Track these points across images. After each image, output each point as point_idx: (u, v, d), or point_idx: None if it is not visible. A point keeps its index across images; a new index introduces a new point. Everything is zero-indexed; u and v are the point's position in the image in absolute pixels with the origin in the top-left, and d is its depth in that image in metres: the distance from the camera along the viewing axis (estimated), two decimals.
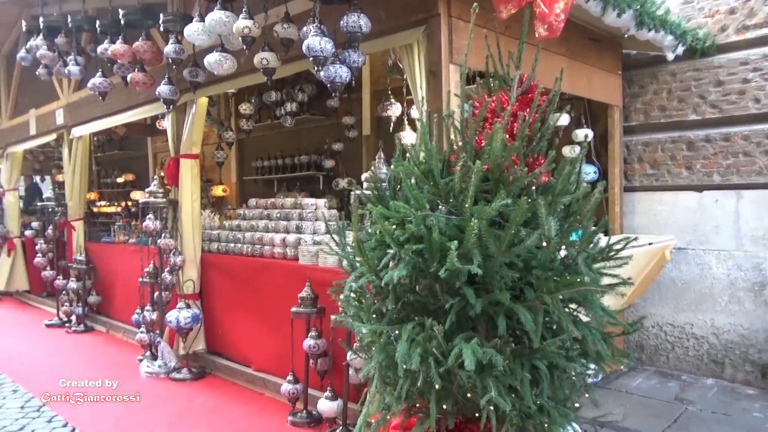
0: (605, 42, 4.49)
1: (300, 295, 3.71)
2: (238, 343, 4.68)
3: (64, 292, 6.79)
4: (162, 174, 8.18)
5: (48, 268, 6.99)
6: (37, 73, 5.92)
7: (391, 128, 4.21)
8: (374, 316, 2.24)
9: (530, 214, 1.91)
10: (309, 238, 4.30)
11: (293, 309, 3.72)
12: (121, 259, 6.33)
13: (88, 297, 6.55)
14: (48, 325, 6.78)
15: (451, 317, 1.99)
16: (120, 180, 11.04)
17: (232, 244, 4.84)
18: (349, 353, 3.32)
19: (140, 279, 5.22)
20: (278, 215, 4.76)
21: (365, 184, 2.81)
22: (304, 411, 3.75)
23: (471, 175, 1.93)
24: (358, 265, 2.33)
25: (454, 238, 1.92)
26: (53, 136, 7.36)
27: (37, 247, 7.16)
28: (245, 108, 5.51)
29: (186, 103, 4.88)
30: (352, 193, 2.90)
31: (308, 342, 3.62)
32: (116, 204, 10.85)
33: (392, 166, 2.32)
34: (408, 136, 4.30)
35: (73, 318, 6.65)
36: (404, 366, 1.94)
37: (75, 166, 6.79)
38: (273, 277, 4.33)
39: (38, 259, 6.99)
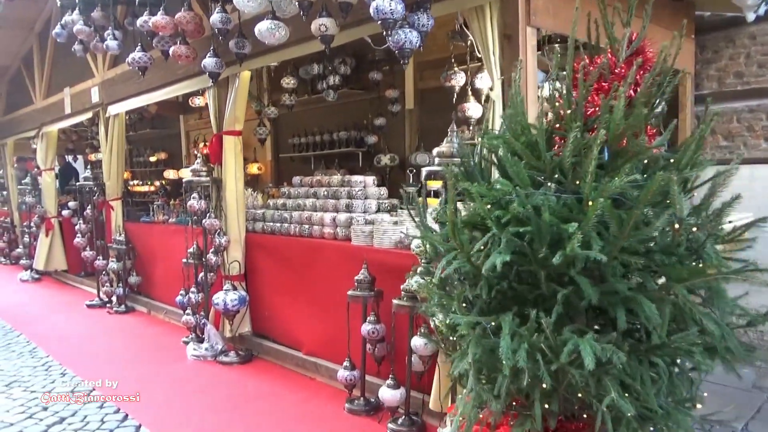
0: (678, 2, 4.14)
1: (356, 277, 3.52)
2: (286, 325, 4.53)
3: (104, 272, 6.74)
4: (201, 152, 8.07)
5: (87, 248, 6.93)
6: (72, 49, 5.77)
7: (454, 99, 3.93)
8: (464, 305, 2.02)
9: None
10: (360, 217, 4.09)
11: (350, 292, 3.54)
12: (161, 239, 6.22)
13: (129, 277, 6.48)
14: (89, 306, 6.75)
15: (557, 309, 1.77)
16: (152, 159, 10.97)
17: (278, 224, 4.67)
18: (413, 339, 3.13)
19: (184, 260, 5.09)
20: (325, 193, 4.57)
21: (437, 160, 2.58)
22: (362, 398, 3.59)
23: (586, 147, 1.69)
24: (440, 248, 2.12)
25: (567, 220, 1.69)
26: (89, 115, 7.25)
27: (76, 227, 7.10)
28: (287, 82, 5.29)
29: (228, 77, 4.68)
30: (423, 170, 2.68)
31: (366, 327, 3.43)
32: (149, 183, 10.81)
33: (479, 139, 2.08)
34: (473, 108, 4.04)
35: (114, 298, 6.61)
36: (508, 362, 1.72)
37: (112, 145, 6.66)
38: (324, 258, 4.15)
39: (78, 240, 6.94)
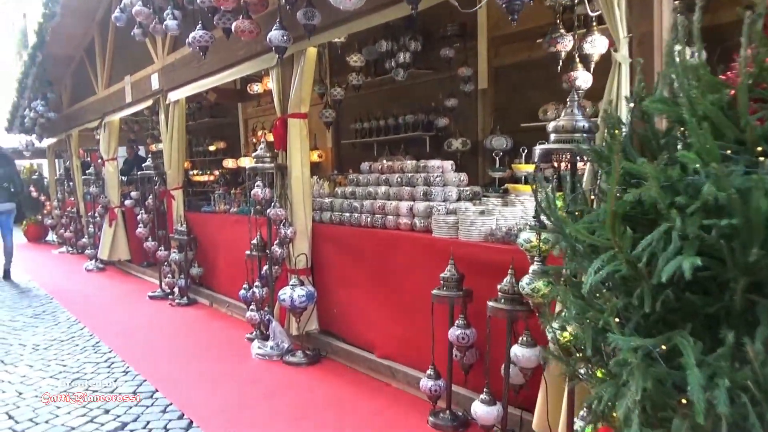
0: None
1: (442, 275, 3.10)
2: (357, 324, 4.17)
3: (165, 263, 6.59)
4: (262, 138, 7.85)
5: (149, 238, 6.81)
6: (132, 33, 5.58)
7: (559, 67, 3.44)
8: (617, 320, 1.56)
9: None
10: (441, 206, 3.66)
11: (435, 291, 3.12)
12: (222, 230, 5.99)
13: (191, 269, 6.30)
14: (151, 297, 6.62)
15: (764, 331, 1.29)
16: (211, 148, 10.88)
17: (347, 214, 4.29)
18: (514, 348, 2.69)
19: (247, 252, 4.80)
20: (399, 180, 4.16)
21: (554, 136, 2.12)
22: (448, 411, 3.17)
23: None
24: (580, 247, 1.66)
25: None
26: (149, 102, 7.09)
27: (138, 218, 6.99)
28: (355, 59, 4.89)
29: (293, 55, 4.32)
30: (536, 149, 2.20)
31: (455, 332, 3.01)
32: (208, 173, 10.72)
33: (640, 102, 1.60)
34: (582, 77, 3.52)
35: (176, 290, 6.44)
36: (699, 406, 1.26)
37: (173, 133, 6.47)
38: (400, 251, 3.74)
39: (140, 230, 6.83)
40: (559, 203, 2.27)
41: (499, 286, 2.78)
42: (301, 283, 4.19)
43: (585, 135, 2.12)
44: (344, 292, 4.30)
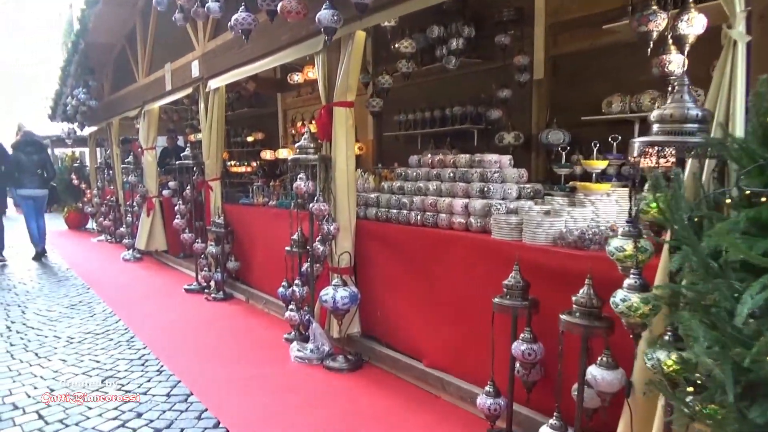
0: None
1: (505, 282, 2.78)
2: (403, 330, 3.87)
3: (202, 255, 6.42)
4: (301, 128, 7.62)
5: (186, 230, 6.65)
6: (173, 18, 5.40)
7: (649, 49, 3.06)
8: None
9: None
10: (500, 204, 3.33)
11: (496, 300, 2.80)
12: (260, 223, 5.78)
13: (227, 262, 6.11)
14: (187, 290, 6.47)
15: None
16: (249, 139, 10.73)
17: (394, 211, 4.00)
18: (591, 369, 2.36)
19: (287, 248, 4.56)
20: (451, 175, 3.84)
21: (657, 127, 1.78)
22: None
23: None
24: (712, 264, 1.33)
25: None
26: (189, 90, 6.93)
27: (176, 208, 6.84)
28: (405, 45, 4.57)
29: (340, 39, 4.03)
30: (635, 142, 1.86)
31: (520, 347, 2.69)
32: (246, 164, 10.58)
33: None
34: (675, 61, 3.14)
35: (212, 284, 6.28)
36: None
37: (212, 122, 6.29)
38: (454, 252, 3.43)
39: (177, 221, 6.68)
40: (654, 207, 1.94)
41: (574, 298, 2.44)
42: (344, 284, 3.92)
43: (697, 125, 1.78)
44: (390, 295, 4.01)
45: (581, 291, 2.43)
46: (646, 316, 1.85)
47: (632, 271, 1.89)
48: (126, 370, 3.96)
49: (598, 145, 3.33)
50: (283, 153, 9.42)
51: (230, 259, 6.11)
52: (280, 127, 10.13)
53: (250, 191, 6.20)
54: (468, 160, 3.89)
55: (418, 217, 3.78)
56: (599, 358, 2.37)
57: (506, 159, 3.80)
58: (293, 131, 9.29)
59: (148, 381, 3.76)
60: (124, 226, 9.49)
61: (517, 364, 2.80)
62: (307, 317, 4.31)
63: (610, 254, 2.02)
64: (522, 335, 2.71)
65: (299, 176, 4.05)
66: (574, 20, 5.06)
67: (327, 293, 3.86)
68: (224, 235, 6.08)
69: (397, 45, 4.55)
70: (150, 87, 8.44)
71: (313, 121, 8.66)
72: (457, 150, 6.09)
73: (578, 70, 5.20)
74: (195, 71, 6.71)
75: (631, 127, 4.70)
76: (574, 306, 2.45)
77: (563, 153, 3.86)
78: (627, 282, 1.89)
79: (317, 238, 4.21)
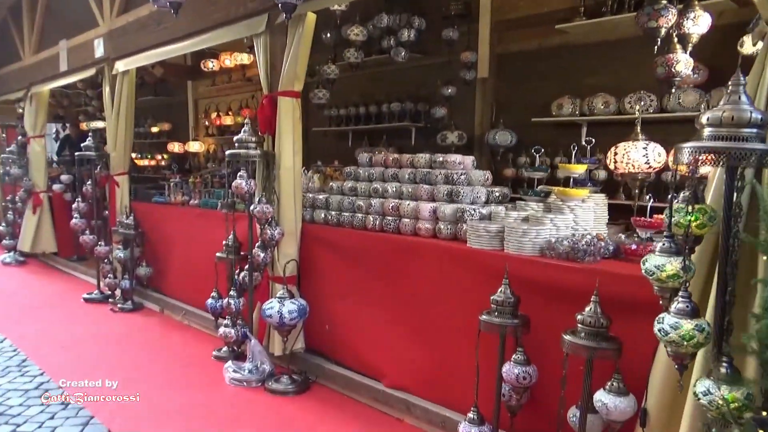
0: None
1: (494, 297, 2.49)
2: (357, 346, 3.49)
3: (105, 260, 5.63)
4: (213, 122, 6.96)
5: (87, 231, 5.81)
6: None
7: (656, 46, 2.87)
8: None
9: None
10: (474, 210, 3.06)
11: (483, 317, 2.51)
12: (179, 225, 5.15)
13: (137, 268, 5.39)
14: (87, 300, 5.65)
15: None
16: (154, 129, 9.77)
17: (347, 214, 3.61)
18: (600, 394, 2.14)
19: (218, 254, 4.02)
20: (411, 176, 3.53)
21: (709, 131, 1.56)
22: None
23: None
24: None
25: None
26: (91, 72, 6.07)
27: (74, 206, 5.96)
28: (356, 33, 4.17)
29: (286, 22, 3.57)
30: (685, 147, 1.63)
31: (513, 369, 2.42)
32: (149, 157, 9.65)
33: None
34: (682, 61, 2.99)
35: (118, 292, 5.52)
36: None
37: (120, 109, 5.53)
38: (422, 261, 3.11)
39: (75, 221, 5.81)
40: (693, 219, 1.73)
41: (579, 317, 2.21)
42: (291, 295, 3.48)
43: (756, 130, 1.58)
44: (341, 307, 3.62)
45: (587, 309, 2.21)
46: (699, 345, 1.63)
47: (681, 293, 1.66)
48: (20, 405, 3.25)
49: (576, 148, 3.16)
50: (195, 146, 8.67)
51: (141, 264, 5.40)
52: (191, 117, 9.31)
53: (166, 188, 5.51)
54: (428, 159, 3.61)
55: (377, 221, 3.42)
56: (609, 384, 2.16)
57: (469, 160, 3.55)
58: (206, 123, 8.55)
59: (51, 418, 3.10)
60: (3, 224, 8.25)
61: (505, 388, 2.54)
62: (243, 332, 3.81)
63: (648, 274, 1.78)
64: (515, 357, 2.45)
65: (239, 174, 3.53)
66: (521, 19, 4.93)
67: (271, 307, 3.39)
68: (133, 238, 5.36)
69: (348, 32, 4.15)
70: (39, 66, 7.39)
71: (230, 113, 8.07)
72: (394, 149, 5.79)
73: (524, 70, 5.08)
74: (99, 50, 5.89)
75: (578, 130, 4.64)
76: (579, 326, 2.21)
77: (536, 155, 3.67)
78: (676, 306, 1.65)
79: (256, 244, 3.72)
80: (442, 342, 2.97)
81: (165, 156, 9.38)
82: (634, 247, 2.59)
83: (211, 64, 7.64)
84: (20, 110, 9.00)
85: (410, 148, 5.75)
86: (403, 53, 4.72)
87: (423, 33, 5.22)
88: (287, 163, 3.64)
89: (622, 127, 4.31)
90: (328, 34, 5.05)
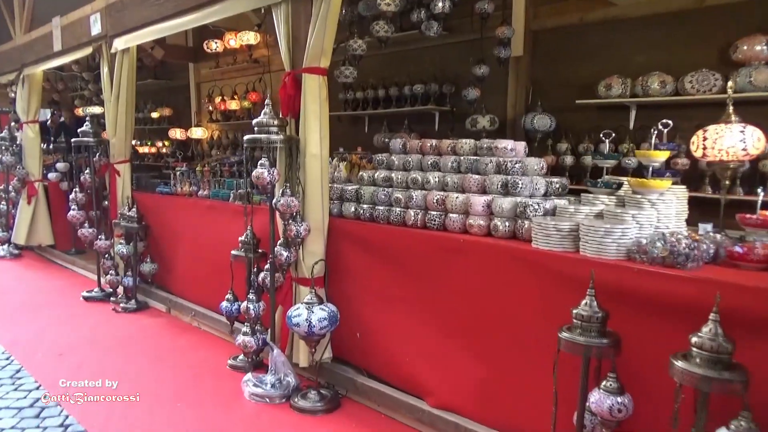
0: None
1: (576, 311, 2.08)
2: (395, 358, 3.08)
3: (106, 255, 5.21)
4: (217, 107, 6.48)
5: (86, 223, 5.36)
6: None
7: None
8: None
9: None
10: (538, 204, 2.64)
11: (564, 335, 2.10)
12: (187, 218, 4.71)
13: (141, 264, 4.97)
14: (87, 299, 5.23)
15: None
16: (154, 115, 9.29)
17: (382, 208, 3.18)
18: None
19: (234, 252, 3.60)
20: (455, 165, 3.11)
21: None
22: None
23: None
24: None
25: None
26: (87, 51, 5.60)
27: (71, 197, 5.51)
28: (388, 3, 3.70)
29: None
30: None
31: (604, 400, 2.00)
32: (149, 144, 9.19)
33: None
34: None
35: (120, 290, 5.11)
36: None
37: (120, 91, 5.07)
38: (475, 263, 2.69)
39: (73, 213, 5.36)
40: None
41: (694, 339, 1.80)
42: (320, 300, 3.06)
43: None
44: (374, 312, 3.21)
45: (704, 329, 1.80)
46: None
47: None
48: (14, 427, 2.85)
49: (656, 131, 2.73)
50: (198, 132, 8.20)
51: (145, 260, 4.97)
52: (193, 102, 8.83)
53: (172, 178, 5.06)
54: (473, 146, 3.17)
55: (419, 216, 2.99)
56: (733, 424, 1.75)
57: (521, 146, 3.12)
58: (210, 107, 8.07)
59: None
60: None
61: (588, 418, 2.13)
62: (261, 338, 3.40)
63: None
64: (606, 384, 2.04)
65: (260, 162, 3.09)
66: None
67: (298, 314, 2.98)
68: (137, 231, 4.93)
69: (379, 1, 3.69)
70: (31, 47, 6.90)
71: (236, 97, 7.59)
72: (416, 134, 5.36)
73: (562, 47, 4.64)
74: (95, 27, 5.41)
75: (624, 114, 4.23)
76: (694, 350, 1.80)
77: (550, 141, 3.25)
78: None
79: (278, 241, 3.29)
80: (501, 357, 2.57)
81: (166, 143, 8.90)
82: (740, 250, 2.18)
83: (215, 45, 7.13)
84: (12, 94, 8.52)
85: (434, 133, 5.32)
86: (435, 27, 4.25)
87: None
88: (313, 149, 3.20)
89: (677, 109, 3.92)
90: (348, 7, 4.59)
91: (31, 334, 4.24)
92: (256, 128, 3.21)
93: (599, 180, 2.71)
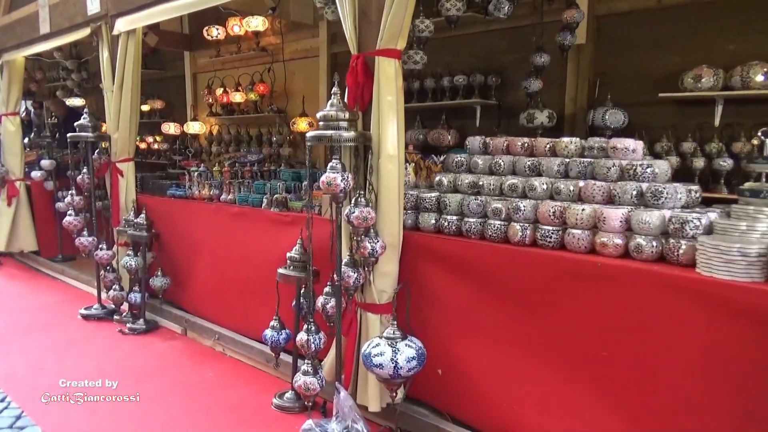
0: None
1: None
2: (496, 404, 2.53)
3: (108, 267, 4.54)
4: (217, 99, 5.94)
5: (85, 231, 4.67)
6: None
7: None
8: None
9: None
10: (698, 220, 2.12)
11: None
12: (207, 226, 4.09)
13: (151, 279, 4.33)
14: (86, 317, 4.56)
15: None
16: (145, 108, 8.53)
17: (473, 220, 2.63)
18: None
19: (282, 271, 3.01)
20: (560, 169, 2.58)
21: None
22: None
23: None
24: None
25: None
26: (83, 32, 4.89)
27: (66, 200, 4.81)
28: None
29: None
30: None
31: None
32: (138, 138, 8.43)
33: None
34: None
35: (125, 307, 4.46)
36: None
37: (123, 79, 4.42)
38: (616, 295, 2.16)
39: (70, 219, 4.65)
40: None
41: None
42: (404, 335, 2.50)
43: None
44: (462, 346, 2.66)
45: None
46: None
47: None
48: None
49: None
50: (195, 127, 7.50)
51: (156, 274, 4.33)
52: (189, 94, 8.11)
53: (187, 179, 4.41)
54: (578, 146, 2.65)
55: (527, 231, 2.45)
56: None
57: (640, 146, 2.60)
58: (210, 100, 7.39)
59: None
60: None
61: None
62: (319, 376, 2.82)
63: None
64: None
65: (331, 165, 2.50)
66: None
67: (380, 352, 2.41)
68: (146, 241, 4.29)
69: None
70: (12, 29, 6.14)
71: (240, 88, 6.94)
72: (454, 131, 4.84)
73: (633, 34, 4.14)
74: (93, 6, 4.73)
75: (708, 109, 3.75)
76: None
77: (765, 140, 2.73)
78: None
79: (344, 261, 2.71)
80: (658, 418, 2.05)
81: (158, 138, 8.18)
82: None
83: (216, 32, 6.50)
84: None
85: (475, 129, 4.80)
86: (507, 8, 3.70)
87: None
88: (390, 149, 2.62)
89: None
90: None
91: (27, 365, 3.58)
92: (321, 122, 2.62)
93: (764, 188, 2.21)
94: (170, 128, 7.79)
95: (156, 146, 8.12)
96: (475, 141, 3.01)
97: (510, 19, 4.48)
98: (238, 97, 6.87)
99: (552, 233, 2.38)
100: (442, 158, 3.41)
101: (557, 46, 4.16)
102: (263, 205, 3.67)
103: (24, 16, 5.82)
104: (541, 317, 2.37)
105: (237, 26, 6.25)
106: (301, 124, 6.02)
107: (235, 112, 7.08)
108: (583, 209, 2.31)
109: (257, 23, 6.04)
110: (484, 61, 4.83)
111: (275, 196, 3.56)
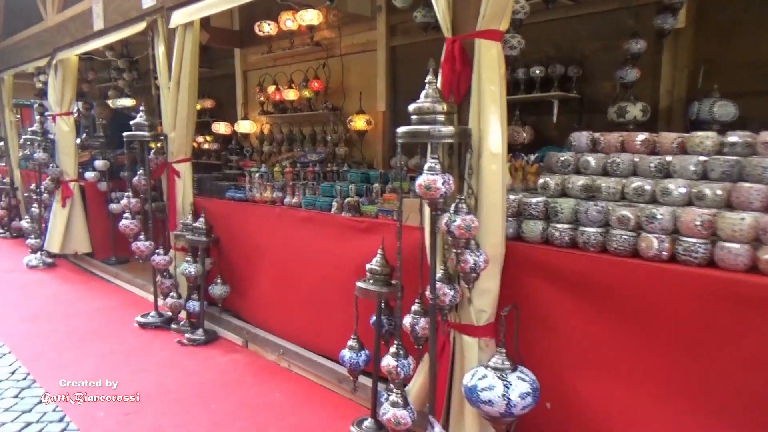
0: None
1: None
2: None
3: (165, 273, 4.32)
4: (269, 97, 5.75)
5: (142, 235, 4.46)
6: None
7: None
8: None
9: None
10: None
11: None
12: (270, 232, 3.81)
13: (210, 286, 4.08)
14: (142, 325, 4.36)
15: None
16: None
17: (592, 230, 2.24)
18: None
19: (361, 285, 2.68)
20: (697, 169, 2.17)
21: None
22: None
23: None
24: None
25: None
26: (139, 27, 4.69)
27: (123, 202, 4.61)
28: None
29: None
30: None
31: None
32: None
33: None
34: None
35: (183, 315, 4.24)
36: None
37: (181, 74, 4.19)
38: None
39: (126, 222, 4.45)
40: None
41: None
42: (514, 366, 2.13)
43: None
44: (576, 378, 2.28)
45: None
46: None
47: None
48: None
49: None
50: (245, 126, 7.30)
51: (215, 281, 4.08)
52: (239, 92, 7.91)
53: (248, 181, 4.14)
54: (716, 141, 2.24)
55: (664, 244, 2.04)
56: None
57: None
58: (262, 98, 7.16)
59: None
60: (27, 219, 6.95)
61: None
62: (413, 415, 2.47)
63: None
64: None
65: (428, 165, 2.15)
66: None
67: (489, 386, 2.05)
68: (206, 246, 4.04)
69: None
70: (65, 27, 6.04)
71: (293, 85, 6.68)
72: (529, 128, 4.44)
73: (743, 17, 3.67)
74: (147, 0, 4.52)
75: None
76: None
77: None
78: None
79: (438, 275, 2.37)
80: None
81: (208, 138, 8.02)
82: None
83: (267, 27, 6.25)
84: (39, 84, 7.70)
85: (552, 125, 4.40)
86: None
87: None
88: (493, 147, 2.27)
89: None
90: None
91: (84, 379, 3.36)
92: (415, 116, 2.27)
93: None
94: (221, 127, 7.62)
95: (206, 146, 7.96)
96: (581, 137, 2.62)
97: (592, 4, 4.10)
98: (291, 95, 6.60)
99: (698, 247, 1.98)
100: (532, 157, 3.05)
101: (655, 31, 3.73)
102: (333, 209, 3.36)
103: (77, 13, 5.70)
104: (685, 349, 1.97)
105: (290, 20, 6.00)
106: (359, 122, 5.71)
107: (288, 110, 6.82)
108: (742, 218, 1.90)
109: (311, 17, 5.76)
110: (563, 50, 4.42)
111: (347, 199, 3.24)
